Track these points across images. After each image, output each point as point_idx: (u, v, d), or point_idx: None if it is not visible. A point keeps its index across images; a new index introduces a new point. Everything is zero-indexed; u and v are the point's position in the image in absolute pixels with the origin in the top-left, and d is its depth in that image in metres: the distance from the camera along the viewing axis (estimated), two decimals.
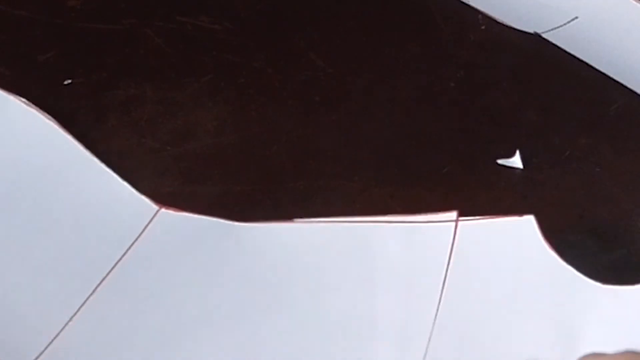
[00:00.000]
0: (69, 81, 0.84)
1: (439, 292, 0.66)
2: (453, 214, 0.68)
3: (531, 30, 0.89)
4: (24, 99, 0.77)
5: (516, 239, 0.67)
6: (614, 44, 0.88)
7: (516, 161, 0.78)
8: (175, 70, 0.86)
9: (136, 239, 0.71)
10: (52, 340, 0.66)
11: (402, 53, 0.89)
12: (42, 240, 0.72)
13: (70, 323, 0.67)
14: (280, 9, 0.92)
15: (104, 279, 0.69)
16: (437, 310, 0.65)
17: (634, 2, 0.89)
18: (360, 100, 0.84)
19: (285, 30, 0.90)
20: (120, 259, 0.70)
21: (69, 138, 0.76)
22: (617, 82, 0.84)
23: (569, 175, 0.78)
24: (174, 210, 0.73)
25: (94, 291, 0.69)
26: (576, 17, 0.90)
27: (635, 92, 0.84)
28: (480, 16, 0.91)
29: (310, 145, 0.80)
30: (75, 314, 0.67)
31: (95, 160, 0.75)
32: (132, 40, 0.88)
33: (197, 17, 0.91)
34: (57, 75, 0.84)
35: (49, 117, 0.76)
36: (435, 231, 0.68)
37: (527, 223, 0.67)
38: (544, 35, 0.89)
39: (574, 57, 0.87)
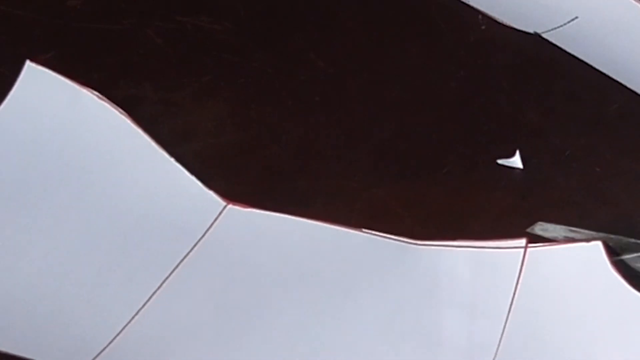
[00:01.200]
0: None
1: (505, 317, 0.66)
2: (522, 241, 0.68)
3: (531, 30, 0.89)
4: (96, 92, 0.77)
5: (584, 264, 0.67)
6: (614, 44, 0.88)
7: (516, 161, 0.78)
8: (175, 70, 0.86)
9: (203, 235, 0.71)
10: (117, 335, 0.66)
11: (402, 53, 0.89)
12: (110, 234, 0.72)
13: (135, 317, 0.67)
14: (280, 9, 0.92)
15: (170, 274, 0.69)
16: (502, 335, 0.65)
17: (634, 2, 0.89)
18: (360, 100, 0.84)
19: (285, 30, 0.90)
20: (187, 254, 0.70)
21: (140, 132, 0.76)
22: (617, 82, 0.84)
23: (569, 175, 0.78)
24: (241, 207, 0.73)
25: (160, 286, 0.68)
26: (576, 17, 0.90)
27: (635, 92, 0.84)
28: (480, 16, 0.91)
29: (310, 145, 0.80)
30: (141, 308, 0.67)
31: (165, 155, 0.75)
32: (132, 40, 0.88)
33: (197, 17, 0.91)
34: None
35: (121, 110, 0.77)
36: (503, 257, 0.68)
37: (595, 248, 0.67)
38: (544, 35, 0.89)
39: (574, 57, 0.87)
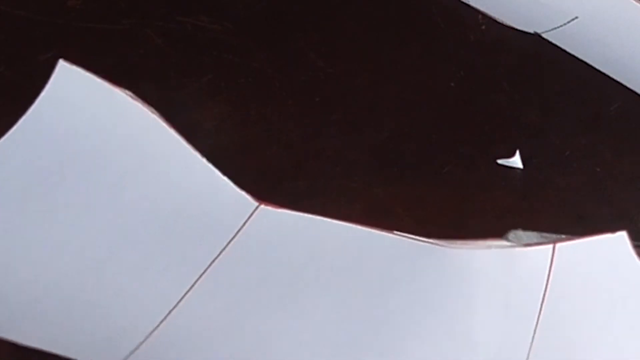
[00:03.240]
0: None
1: (537, 315, 0.66)
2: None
3: (531, 30, 0.89)
4: (129, 92, 0.77)
5: (610, 256, 0.67)
6: (614, 44, 0.88)
7: (516, 161, 0.78)
8: (175, 70, 0.86)
9: (235, 235, 0.71)
10: (151, 332, 0.66)
11: (402, 53, 0.89)
12: (143, 233, 0.72)
13: (169, 315, 0.67)
14: (280, 9, 0.92)
15: (203, 273, 0.69)
16: (534, 333, 0.65)
17: (634, 2, 0.89)
18: (360, 100, 0.84)
19: (285, 30, 0.90)
20: (219, 254, 0.70)
21: (172, 132, 0.76)
22: (617, 82, 0.84)
23: (569, 175, 0.78)
24: (274, 207, 0.72)
25: (193, 285, 0.69)
26: (576, 17, 0.90)
27: (635, 92, 0.84)
28: (480, 16, 0.91)
29: (310, 145, 0.80)
30: (174, 307, 0.67)
31: (197, 155, 0.75)
32: (132, 40, 0.88)
33: (197, 17, 0.91)
34: None
35: (153, 110, 0.77)
36: (533, 254, 0.67)
37: (620, 239, 0.67)
38: (544, 35, 0.89)
39: (574, 57, 0.87)
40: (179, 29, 0.90)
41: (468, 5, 0.92)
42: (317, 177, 0.77)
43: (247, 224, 0.72)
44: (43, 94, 0.78)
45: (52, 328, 0.66)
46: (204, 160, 0.75)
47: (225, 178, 0.74)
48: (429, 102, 0.84)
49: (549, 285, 0.66)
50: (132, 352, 0.65)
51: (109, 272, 0.70)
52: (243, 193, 0.73)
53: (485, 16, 0.91)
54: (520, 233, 0.71)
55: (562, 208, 0.75)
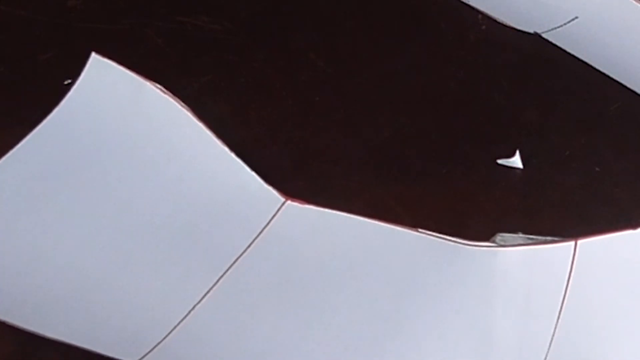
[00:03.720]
0: (69, 81, 0.84)
1: (557, 313, 0.66)
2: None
3: (531, 30, 0.89)
4: (159, 86, 0.77)
5: (631, 252, 0.66)
6: (614, 44, 0.88)
7: (516, 161, 0.78)
8: (175, 70, 0.86)
9: (262, 230, 0.71)
10: (174, 328, 0.66)
11: (402, 53, 0.89)
12: (170, 227, 0.72)
13: (193, 311, 0.67)
14: (280, 9, 0.92)
15: (229, 268, 0.69)
16: (555, 330, 0.65)
17: (634, 2, 0.89)
18: (360, 100, 0.84)
19: (285, 30, 0.90)
20: (246, 249, 0.70)
21: (202, 126, 0.76)
22: (617, 82, 0.84)
23: (569, 175, 0.78)
24: (300, 203, 0.73)
25: (218, 280, 0.69)
26: (576, 17, 0.90)
27: (635, 92, 0.84)
28: (480, 16, 0.91)
29: (310, 145, 0.80)
30: (198, 302, 0.67)
31: (226, 150, 0.75)
32: (132, 40, 0.88)
33: (197, 17, 0.91)
34: (57, 75, 0.84)
35: (183, 104, 0.77)
36: (555, 252, 0.67)
37: None
38: (544, 35, 0.89)
39: (574, 57, 0.87)
40: (179, 29, 0.90)
41: (468, 5, 0.92)
42: (317, 177, 0.77)
43: (273, 220, 0.72)
44: (75, 86, 0.79)
45: (76, 322, 0.66)
46: (233, 154, 0.75)
47: (253, 173, 0.74)
48: (429, 102, 0.84)
49: (570, 282, 0.66)
50: (154, 347, 0.65)
51: (134, 266, 0.70)
52: (270, 188, 0.73)
53: (485, 16, 0.91)
54: (506, 236, 0.71)
55: (562, 208, 0.75)
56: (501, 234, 0.71)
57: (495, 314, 0.67)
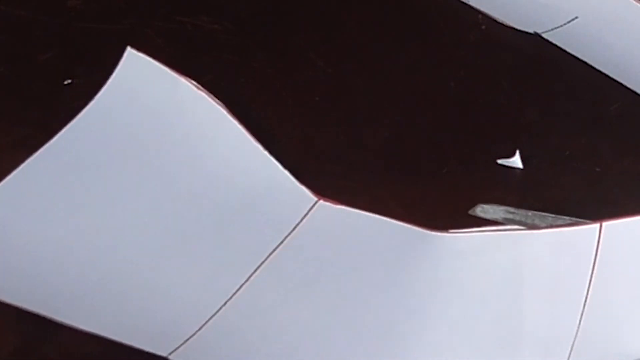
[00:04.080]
0: (69, 81, 0.84)
1: (584, 295, 0.65)
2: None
3: (531, 30, 0.89)
4: (194, 82, 0.77)
5: None
6: (614, 44, 0.88)
7: (516, 161, 0.78)
8: (175, 70, 0.86)
9: (293, 229, 0.71)
10: (204, 325, 0.66)
11: (402, 53, 0.89)
12: (202, 224, 0.72)
13: (223, 308, 0.67)
14: (280, 9, 0.92)
15: (259, 266, 0.69)
16: (582, 315, 0.65)
17: (634, 2, 0.89)
18: (360, 100, 0.84)
19: (285, 30, 0.90)
20: (276, 248, 0.70)
21: (236, 123, 0.76)
22: (617, 82, 0.84)
23: (569, 175, 0.78)
24: (333, 203, 0.73)
25: (248, 278, 0.69)
26: (576, 17, 0.90)
27: (635, 92, 0.84)
28: (480, 16, 0.91)
29: (310, 145, 0.80)
30: (229, 299, 0.67)
31: (260, 148, 0.75)
32: (132, 40, 0.88)
33: (197, 17, 0.91)
34: (57, 75, 0.84)
35: (218, 101, 0.77)
36: (580, 235, 0.67)
37: None
38: (544, 35, 0.89)
39: (574, 57, 0.87)
40: (179, 29, 0.90)
41: (468, 5, 0.92)
42: (317, 177, 0.77)
43: (305, 219, 0.72)
44: (110, 81, 0.79)
45: (108, 314, 0.67)
46: (266, 153, 0.75)
47: (286, 172, 0.74)
48: (429, 102, 0.84)
49: (596, 265, 0.66)
50: (185, 341, 0.65)
51: (167, 260, 0.70)
52: (303, 187, 0.73)
53: (485, 16, 0.91)
54: (487, 207, 0.71)
55: (562, 208, 0.75)
56: (481, 205, 0.72)
57: (524, 303, 0.67)
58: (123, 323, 0.66)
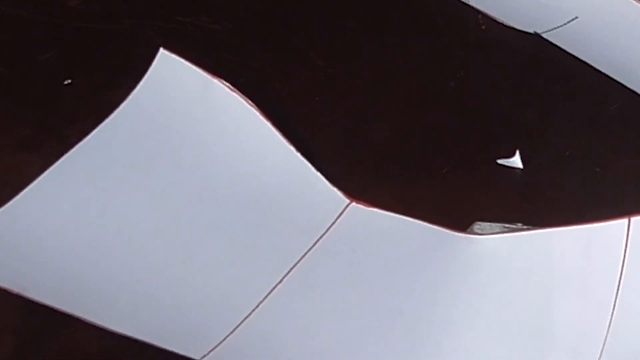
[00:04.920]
0: (69, 81, 0.84)
1: (615, 291, 0.65)
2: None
3: (531, 30, 0.89)
4: (227, 83, 0.77)
5: None
6: (614, 44, 0.88)
7: (516, 161, 0.78)
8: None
9: (326, 231, 0.71)
10: (237, 326, 0.66)
11: (402, 53, 0.89)
12: (235, 225, 0.72)
13: (256, 310, 0.67)
14: (280, 9, 0.92)
15: (292, 268, 0.69)
16: (612, 313, 0.64)
17: (634, 2, 0.89)
18: (360, 100, 0.84)
19: (285, 30, 0.90)
20: (309, 250, 0.70)
21: (269, 125, 0.76)
22: (617, 82, 0.84)
23: (569, 175, 0.78)
24: (365, 205, 0.73)
25: (281, 280, 0.68)
26: (576, 17, 0.90)
27: (635, 92, 0.84)
28: (480, 16, 0.91)
29: (310, 145, 0.80)
30: (262, 301, 0.67)
31: (292, 150, 0.75)
32: (132, 40, 0.88)
33: (197, 17, 0.91)
34: (57, 75, 0.84)
35: (250, 102, 0.77)
36: (609, 231, 0.67)
37: None
38: (544, 35, 0.89)
39: (574, 57, 0.87)
40: (179, 29, 0.90)
41: (468, 5, 0.92)
42: None
43: (337, 221, 0.72)
44: (142, 81, 0.79)
45: (142, 316, 0.66)
46: (299, 154, 0.75)
47: (318, 174, 0.74)
48: (429, 102, 0.84)
49: (625, 260, 0.65)
50: (219, 344, 0.65)
51: (201, 262, 0.70)
52: (335, 190, 0.73)
53: (485, 16, 0.91)
54: (483, 224, 0.71)
55: (562, 208, 0.75)
56: (478, 223, 0.72)
57: (554, 304, 0.66)
58: (155, 325, 0.66)
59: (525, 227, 0.70)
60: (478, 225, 0.71)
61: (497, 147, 0.80)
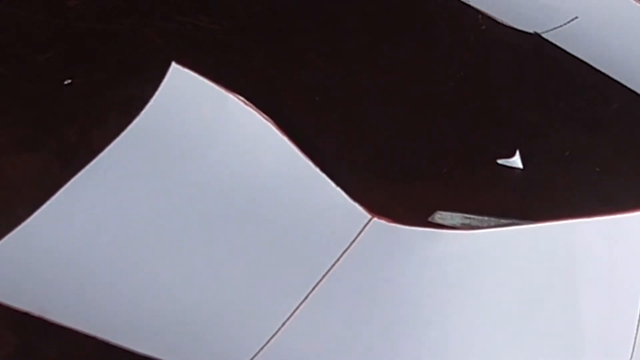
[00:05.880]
0: (69, 81, 0.84)
1: None
2: None
3: (531, 30, 0.89)
4: (242, 97, 0.77)
5: None
6: (614, 44, 0.88)
7: (516, 161, 0.78)
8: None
9: (348, 247, 0.70)
10: (264, 345, 0.65)
11: (402, 53, 0.89)
12: (256, 243, 0.71)
13: (282, 328, 0.66)
14: (280, 9, 0.92)
15: (316, 285, 0.68)
16: None
17: (634, 2, 0.89)
18: (360, 100, 0.84)
19: (285, 30, 0.90)
20: (332, 266, 0.69)
21: (286, 140, 0.76)
22: (617, 82, 0.84)
23: (569, 175, 0.78)
24: (386, 220, 0.72)
25: (306, 298, 0.68)
26: (576, 17, 0.90)
27: (635, 92, 0.84)
28: (480, 16, 0.91)
29: (310, 145, 0.80)
30: (287, 319, 0.66)
31: (311, 165, 0.74)
32: (132, 40, 0.88)
33: (197, 17, 0.91)
34: (57, 75, 0.84)
35: (266, 117, 0.76)
36: (632, 222, 0.66)
37: None
38: (544, 35, 0.89)
39: (574, 57, 0.87)
40: (179, 29, 0.90)
41: (468, 5, 0.92)
42: None
43: (359, 237, 0.71)
44: (155, 96, 0.78)
45: (167, 338, 0.65)
46: (318, 169, 0.74)
47: (338, 189, 0.73)
48: (429, 102, 0.84)
49: None
50: None
51: (222, 282, 0.69)
52: (356, 205, 0.72)
53: (485, 16, 0.91)
54: (444, 214, 0.71)
55: (562, 208, 0.75)
56: (439, 212, 0.71)
57: (581, 296, 0.65)
58: (180, 348, 0.65)
59: (486, 217, 0.70)
60: (439, 215, 0.71)
61: (497, 147, 0.80)
